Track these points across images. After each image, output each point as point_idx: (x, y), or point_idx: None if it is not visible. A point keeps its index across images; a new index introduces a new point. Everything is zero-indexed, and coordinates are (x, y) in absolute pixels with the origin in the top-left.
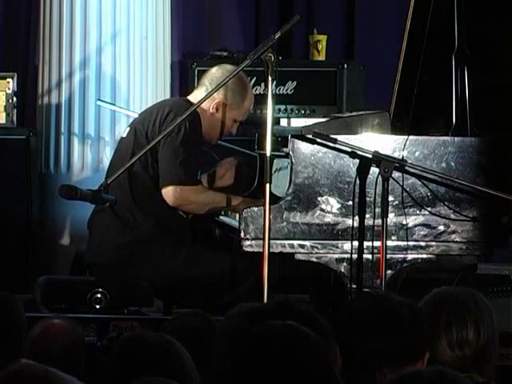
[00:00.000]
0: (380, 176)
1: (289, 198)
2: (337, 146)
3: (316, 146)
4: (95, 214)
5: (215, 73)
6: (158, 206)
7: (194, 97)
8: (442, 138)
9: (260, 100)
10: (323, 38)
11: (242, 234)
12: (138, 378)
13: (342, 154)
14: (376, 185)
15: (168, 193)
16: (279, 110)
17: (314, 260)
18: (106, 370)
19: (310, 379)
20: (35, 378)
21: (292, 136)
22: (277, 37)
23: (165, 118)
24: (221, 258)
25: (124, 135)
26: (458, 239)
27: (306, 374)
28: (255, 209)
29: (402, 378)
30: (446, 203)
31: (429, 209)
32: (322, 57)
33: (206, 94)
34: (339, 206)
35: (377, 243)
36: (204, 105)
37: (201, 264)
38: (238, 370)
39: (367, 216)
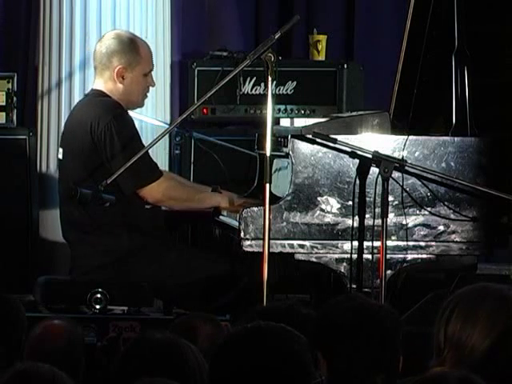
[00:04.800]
0: (380, 176)
1: (289, 197)
2: (337, 146)
3: (316, 146)
4: (66, 233)
5: (99, 49)
6: (128, 216)
7: (99, 83)
8: (441, 138)
9: (260, 100)
10: (323, 38)
11: (242, 234)
12: (144, 377)
13: (341, 154)
14: (376, 185)
15: (146, 194)
16: (279, 110)
17: (314, 260)
18: (113, 370)
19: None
20: (42, 379)
21: (292, 136)
22: (277, 37)
23: (102, 129)
24: (214, 260)
25: (60, 157)
26: (457, 239)
27: (274, 370)
28: (255, 209)
29: (427, 380)
30: (446, 203)
31: (429, 209)
32: (321, 57)
33: (104, 73)
34: (339, 206)
35: (377, 243)
36: (109, 84)
37: (192, 268)
38: (214, 369)
39: (367, 216)
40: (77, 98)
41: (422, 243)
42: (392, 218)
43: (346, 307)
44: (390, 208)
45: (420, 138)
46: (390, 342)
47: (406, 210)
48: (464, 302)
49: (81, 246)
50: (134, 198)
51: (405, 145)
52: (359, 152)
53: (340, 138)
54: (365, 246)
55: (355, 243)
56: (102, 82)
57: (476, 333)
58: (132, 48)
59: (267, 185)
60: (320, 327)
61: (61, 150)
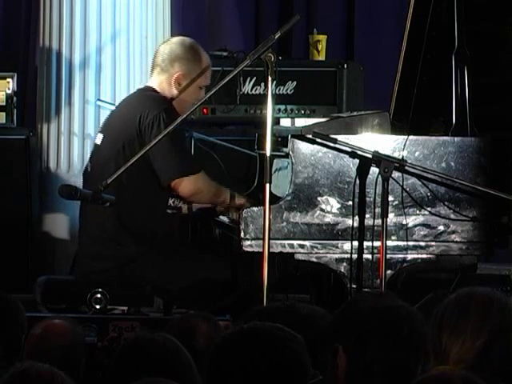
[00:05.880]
0: (380, 176)
1: (289, 197)
2: (337, 146)
3: (316, 146)
4: (80, 235)
5: (163, 50)
6: (144, 219)
7: (154, 82)
8: (441, 138)
9: (260, 100)
10: (323, 38)
11: (242, 234)
12: (140, 378)
13: (341, 154)
14: (376, 185)
15: (181, 186)
16: (279, 110)
17: (314, 260)
18: (110, 370)
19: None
20: (41, 379)
21: (292, 136)
22: (277, 37)
23: (151, 120)
24: (215, 261)
25: (98, 142)
26: (457, 239)
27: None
28: (255, 209)
29: (430, 380)
30: (446, 203)
31: (429, 209)
32: (321, 57)
33: (162, 74)
34: (339, 205)
35: (377, 243)
36: (164, 86)
37: (193, 269)
38: (211, 368)
39: (367, 216)
40: (77, 97)
41: (422, 243)
42: (392, 218)
43: (377, 306)
44: (390, 208)
45: (420, 138)
46: (418, 346)
47: (406, 210)
48: (450, 311)
49: (90, 246)
50: (158, 204)
51: (405, 145)
52: (359, 152)
53: (340, 137)
54: (365, 246)
55: (355, 243)
56: (157, 82)
57: (466, 340)
58: (195, 58)
59: (267, 185)
60: (346, 322)
61: (100, 135)
